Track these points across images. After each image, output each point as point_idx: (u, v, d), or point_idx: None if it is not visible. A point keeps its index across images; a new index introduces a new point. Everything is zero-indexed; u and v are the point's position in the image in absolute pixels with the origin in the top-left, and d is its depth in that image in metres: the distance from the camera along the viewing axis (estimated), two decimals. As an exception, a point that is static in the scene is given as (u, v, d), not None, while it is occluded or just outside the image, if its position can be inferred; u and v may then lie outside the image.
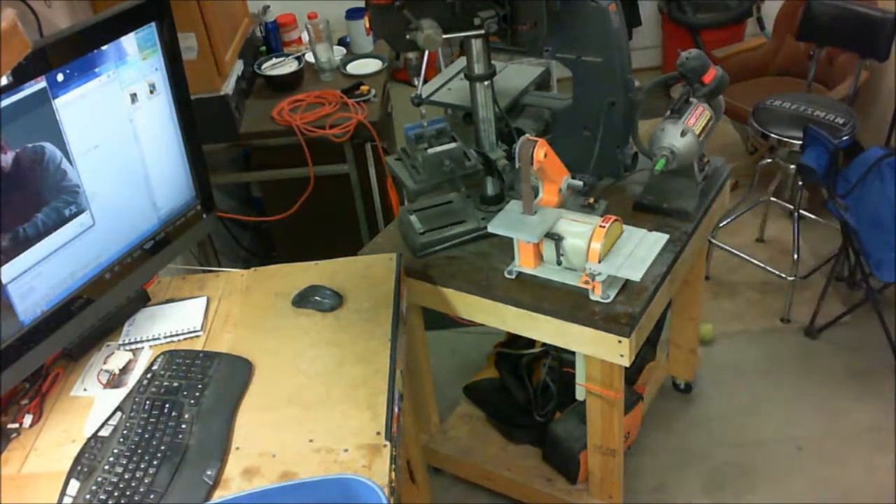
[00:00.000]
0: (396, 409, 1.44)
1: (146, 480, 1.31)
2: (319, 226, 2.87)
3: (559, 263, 1.80)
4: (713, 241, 3.08)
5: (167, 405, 1.44)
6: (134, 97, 1.55)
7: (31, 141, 1.35)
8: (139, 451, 1.36)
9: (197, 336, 1.66)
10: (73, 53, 1.39)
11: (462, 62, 2.07)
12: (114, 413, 1.45)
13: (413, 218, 2.03)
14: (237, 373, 1.53)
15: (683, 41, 4.04)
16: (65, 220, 1.45)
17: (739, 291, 3.08)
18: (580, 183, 1.84)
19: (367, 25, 2.93)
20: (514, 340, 2.52)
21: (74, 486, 1.31)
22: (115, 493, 1.29)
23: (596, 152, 2.00)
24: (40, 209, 1.39)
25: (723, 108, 2.08)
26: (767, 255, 3.19)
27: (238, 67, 2.66)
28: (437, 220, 2.02)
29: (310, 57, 2.92)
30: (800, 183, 2.84)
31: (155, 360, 1.56)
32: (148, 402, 1.45)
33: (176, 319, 1.69)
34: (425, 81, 2.17)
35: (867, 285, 2.64)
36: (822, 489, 2.35)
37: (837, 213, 2.54)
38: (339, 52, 3.03)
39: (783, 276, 2.92)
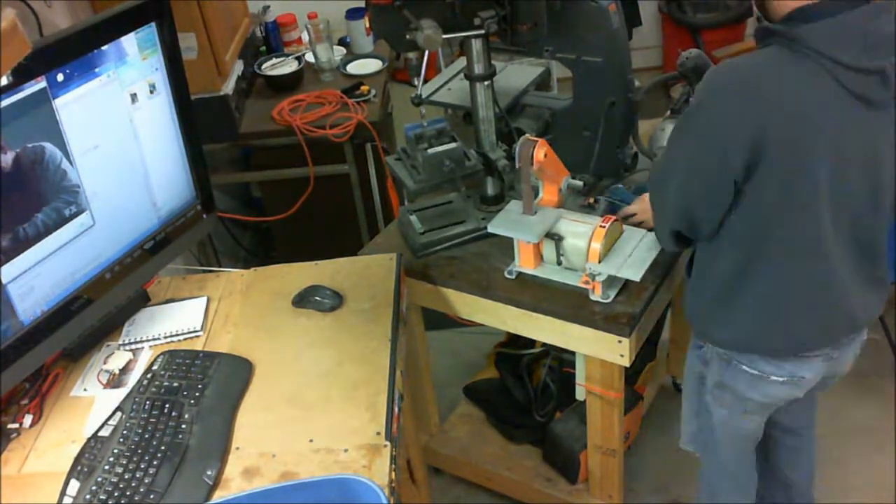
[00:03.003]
0: (396, 409, 1.44)
1: (146, 480, 1.30)
2: (319, 226, 2.87)
3: (559, 263, 1.80)
4: (713, 241, 3.07)
5: (167, 405, 1.44)
6: (134, 97, 1.55)
7: (31, 141, 1.35)
8: (139, 451, 1.35)
9: (197, 336, 1.66)
10: (73, 53, 1.39)
11: (462, 62, 2.07)
12: (114, 413, 1.44)
13: (413, 218, 2.03)
14: (237, 373, 1.53)
15: (684, 41, 4.04)
16: (65, 220, 1.44)
17: (739, 291, 3.08)
18: (580, 183, 1.84)
19: (367, 25, 2.94)
20: (514, 340, 2.52)
21: (74, 486, 1.31)
22: (115, 494, 1.29)
23: (596, 152, 2.00)
24: (40, 209, 1.39)
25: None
26: (767, 255, 3.19)
27: (238, 67, 2.66)
28: (437, 220, 2.02)
29: (310, 57, 2.92)
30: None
31: (155, 360, 1.56)
32: (148, 403, 1.45)
33: (176, 319, 1.69)
34: (425, 81, 2.17)
35: (867, 285, 2.63)
36: (822, 489, 2.35)
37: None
38: (339, 52, 3.03)
39: (783, 276, 2.91)
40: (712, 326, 1.62)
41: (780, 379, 1.58)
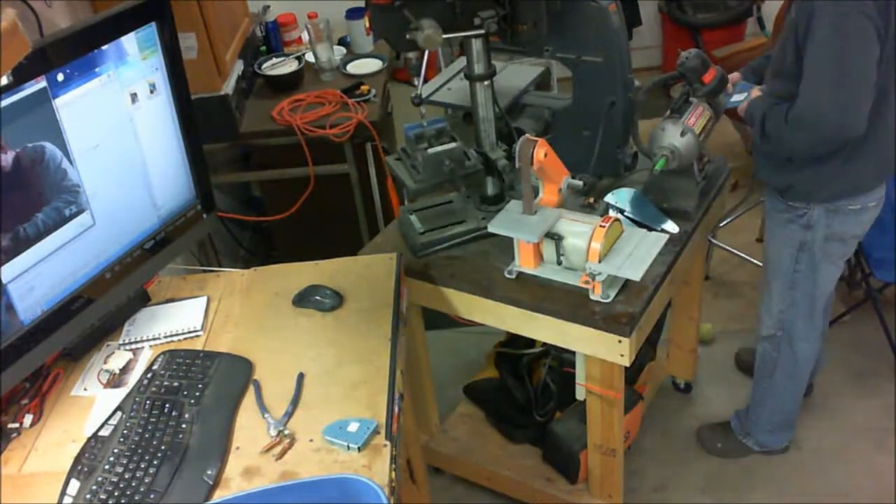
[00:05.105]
0: (396, 409, 1.44)
1: (146, 480, 1.30)
2: (319, 226, 2.87)
3: (559, 263, 1.80)
4: (713, 240, 3.08)
5: (167, 405, 1.44)
6: (134, 97, 1.55)
7: (31, 141, 1.35)
8: (139, 450, 1.35)
9: (197, 336, 1.66)
10: (73, 53, 1.39)
11: (462, 62, 2.07)
12: (114, 413, 1.45)
13: (413, 218, 2.03)
14: (237, 373, 1.53)
15: (683, 41, 4.04)
16: (65, 220, 1.44)
17: (739, 291, 3.08)
18: (580, 183, 1.84)
19: (367, 25, 2.93)
20: (514, 340, 2.52)
21: (74, 485, 1.31)
22: (116, 493, 1.29)
23: (596, 152, 2.00)
24: (40, 209, 1.39)
25: (723, 107, 2.08)
26: (767, 254, 3.19)
27: (238, 67, 2.66)
28: (437, 220, 2.02)
29: (310, 57, 2.92)
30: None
31: (155, 359, 1.56)
32: (148, 402, 1.45)
33: (176, 319, 1.69)
34: (425, 81, 2.17)
35: (867, 285, 2.64)
36: (822, 489, 2.35)
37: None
38: (340, 51, 3.03)
39: (783, 275, 2.91)
40: (824, 187, 1.93)
41: (874, 203, 1.98)
